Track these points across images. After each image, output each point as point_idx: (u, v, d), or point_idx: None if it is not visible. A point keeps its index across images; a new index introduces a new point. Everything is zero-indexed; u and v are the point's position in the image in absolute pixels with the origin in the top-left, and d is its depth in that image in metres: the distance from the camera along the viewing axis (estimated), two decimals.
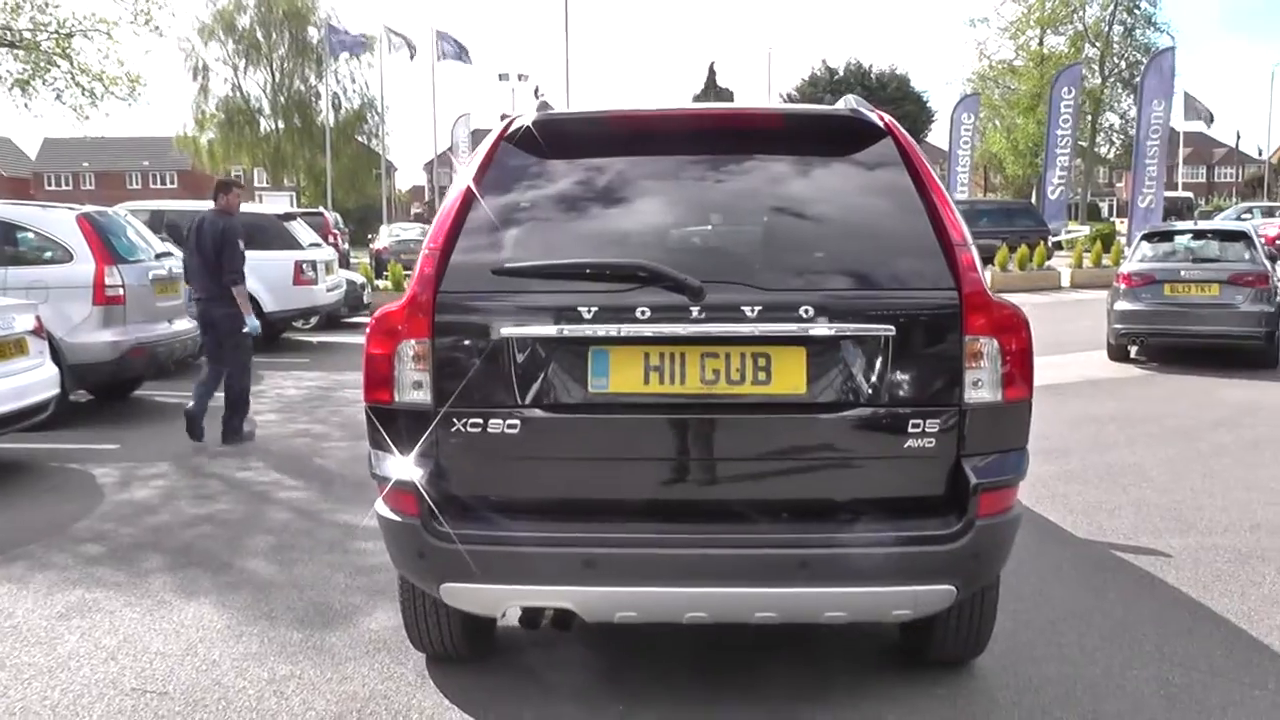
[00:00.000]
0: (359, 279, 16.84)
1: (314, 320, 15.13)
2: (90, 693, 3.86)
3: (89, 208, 9.68)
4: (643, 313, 3.23)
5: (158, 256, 9.75)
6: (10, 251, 9.01)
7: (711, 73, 61.98)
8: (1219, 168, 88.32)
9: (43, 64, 18.44)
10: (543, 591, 3.30)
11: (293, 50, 50.23)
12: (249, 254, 13.01)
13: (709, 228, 3.58)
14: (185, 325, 9.63)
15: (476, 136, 46.28)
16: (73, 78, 18.03)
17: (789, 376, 3.25)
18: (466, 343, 3.35)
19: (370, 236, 33.57)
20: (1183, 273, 11.86)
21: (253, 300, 13.01)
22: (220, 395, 8.18)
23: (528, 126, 3.56)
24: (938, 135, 54.67)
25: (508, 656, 4.15)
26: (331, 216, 24.98)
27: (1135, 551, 5.45)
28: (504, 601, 3.37)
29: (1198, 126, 48.21)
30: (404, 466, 3.35)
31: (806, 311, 3.21)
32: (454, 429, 3.32)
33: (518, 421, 3.30)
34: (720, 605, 3.30)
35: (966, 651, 3.94)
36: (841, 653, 4.20)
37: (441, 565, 3.29)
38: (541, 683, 3.96)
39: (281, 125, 50.31)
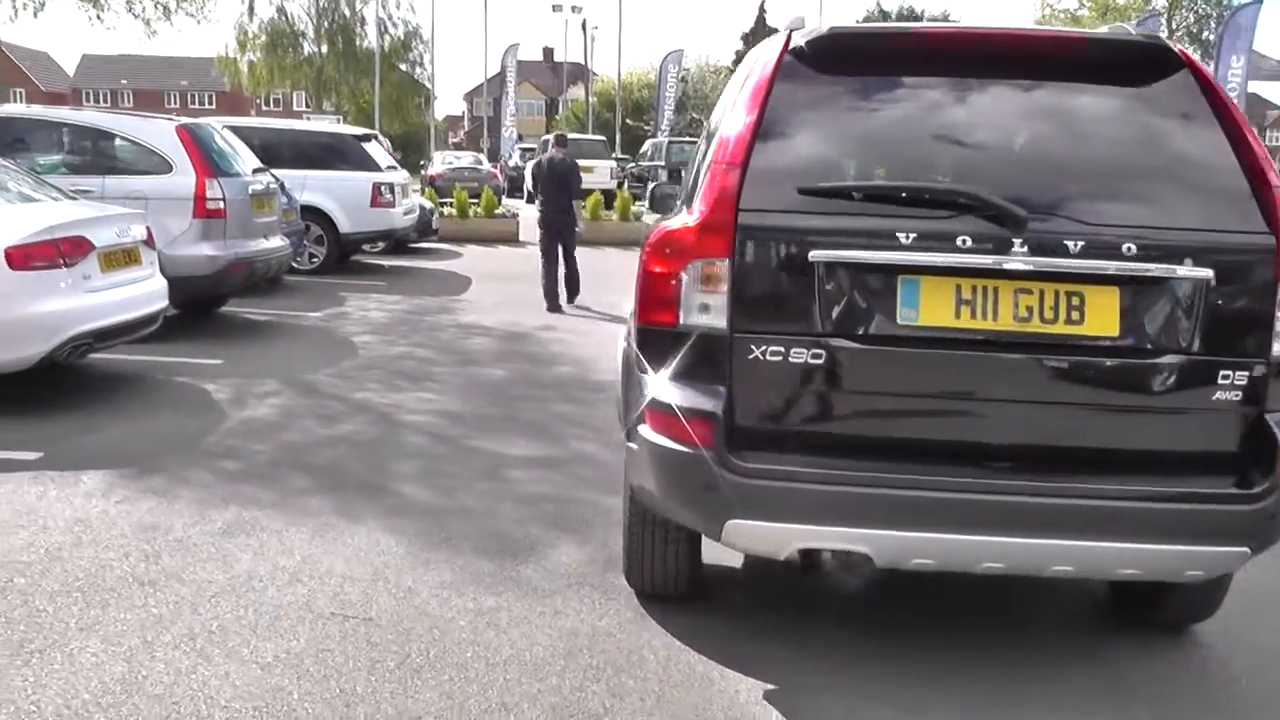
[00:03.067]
0: (428, 204, 16.51)
1: (381, 244, 14.83)
2: (288, 615, 3.65)
3: (187, 119, 9.37)
4: (963, 241, 2.99)
5: (255, 172, 9.45)
6: (108, 161, 8.72)
7: (762, 11, 60.66)
8: (1270, 131, 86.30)
9: None
10: (838, 533, 3.05)
11: None
12: (325, 174, 13.07)
13: (1015, 155, 3.26)
14: (279, 242, 9.37)
15: (523, 67, 45.70)
16: None
17: (1102, 317, 3.01)
18: (770, 264, 3.09)
19: (422, 163, 33.19)
20: None
21: (328, 220, 12.94)
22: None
23: (815, 41, 3.28)
24: None
25: (718, 597, 3.93)
26: (384, 143, 24.60)
27: None
28: (793, 541, 3.11)
29: (1255, 86, 46.99)
30: (691, 393, 3.09)
31: (1129, 249, 2.97)
32: (752, 356, 3.07)
33: (822, 351, 3.04)
34: (1020, 556, 3.06)
35: (1197, 615, 3.75)
36: (1052, 612, 3.99)
37: (730, 501, 3.04)
38: (757, 624, 3.74)
39: (325, 49, 49.65)
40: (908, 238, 2.99)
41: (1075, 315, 3.00)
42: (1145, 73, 3.25)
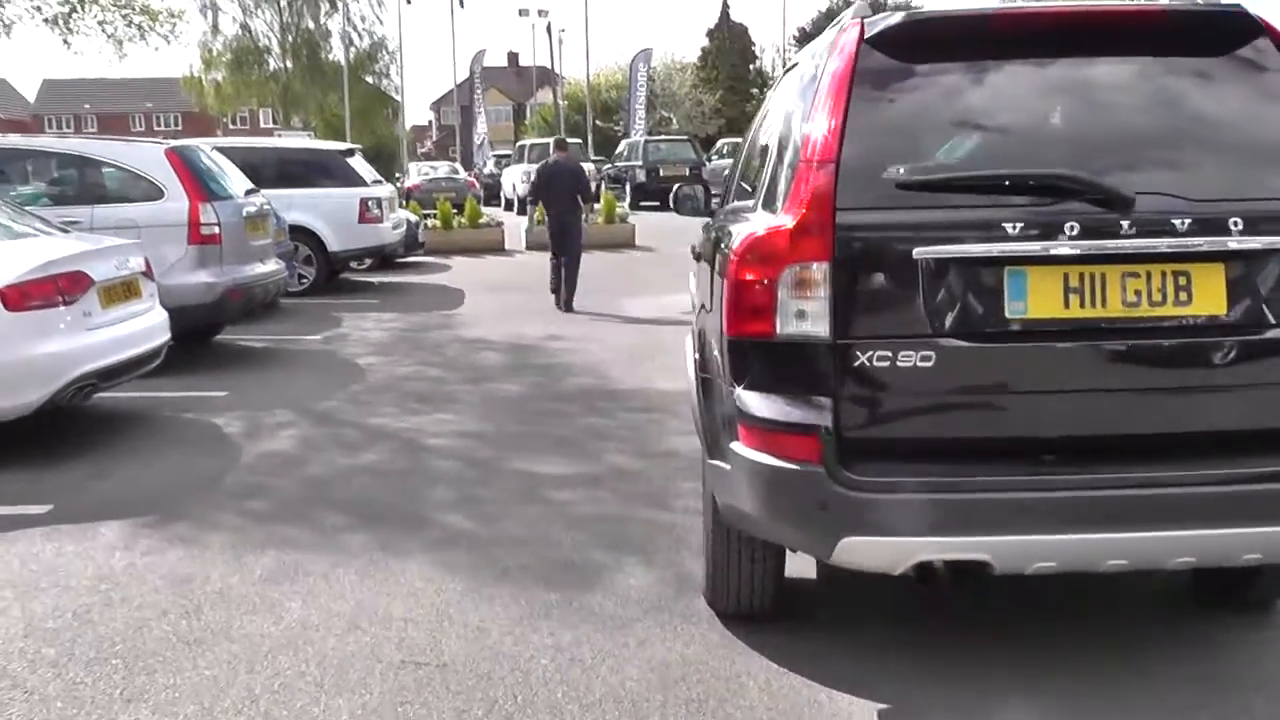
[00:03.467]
0: (413, 217, 16.21)
1: (369, 261, 14.53)
2: (354, 666, 3.39)
3: (175, 141, 9.07)
4: (1071, 228, 2.82)
5: (247, 193, 9.16)
6: (95, 190, 8.42)
7: (725, 6, 60.48)
8: None
9: None
10: (959, 543, 2.85)
11: None
12: (311, 191, 12.77)
13: (1108, 134, 3.07)
14: (275, 265, 9.09)
15: (488, 73, 45.36)
16: (119, 9, 17.20)
17: (1210, 296, 2.87)
18: (873, 265, 2.89)
19: (397, 175, 32.89)
20: None
21: (316, 239, 12.65)
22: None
23: (893, 29, 3.07)
24: None
25: (802, 614, 3.71)
26: None
27: None
28: (913, 555, 2.90)
29: None
30: (796, 407, 2.89)
31: (1236, 224, 2.82)
32: (858, 363, 2.86)
33: (931, 353, 2.84)
34: (1144, 551, 2.90)
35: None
36: (1130, 605, 3.85)
37: (845, 517, 2.83)
38: (850, 639, 3.53)
39: (290, 64, 49.18)
40: (1015, 228, 2.81)
41: (1183, 295, 2.86)
42: (1226, 41, 3.09)
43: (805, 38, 59.79)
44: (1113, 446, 2.92)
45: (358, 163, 13.77)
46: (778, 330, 2.91)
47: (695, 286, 5.76)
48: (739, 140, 31.56)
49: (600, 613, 3.75)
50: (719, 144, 36.21)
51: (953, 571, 2.96)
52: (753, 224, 3.18)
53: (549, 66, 57.57)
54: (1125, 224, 2.82)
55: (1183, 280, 2.85)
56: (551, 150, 12.88)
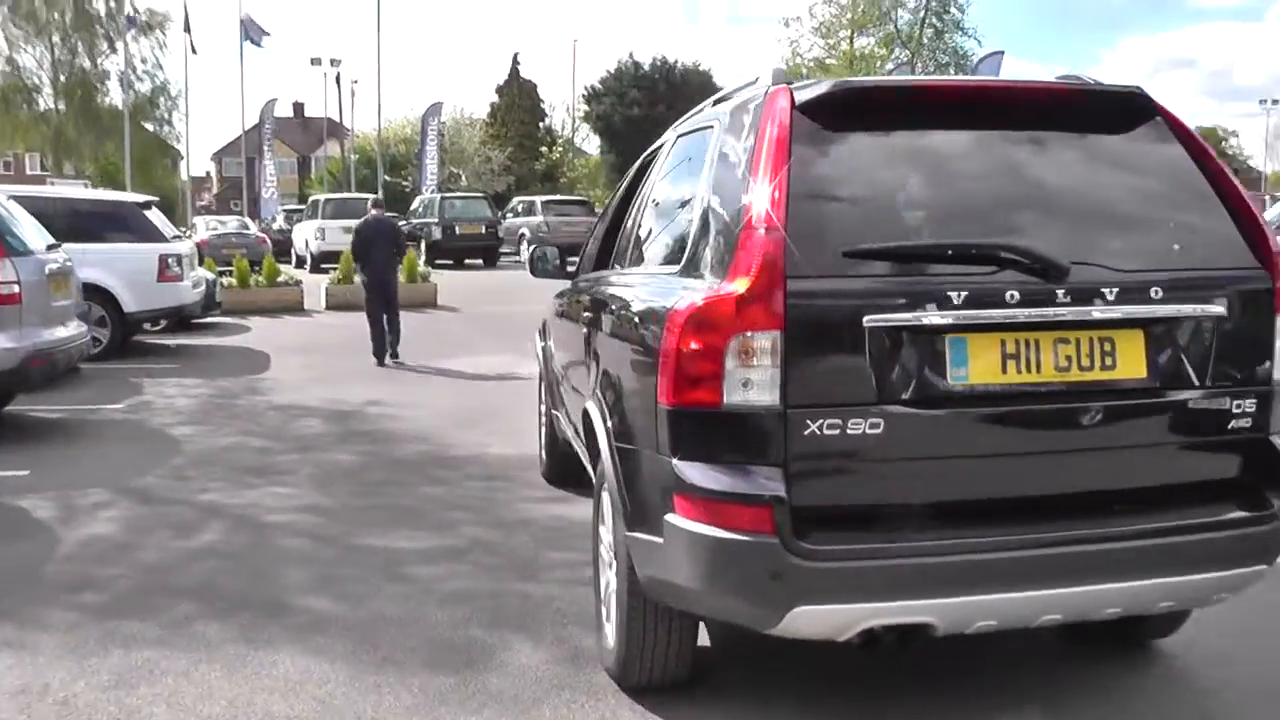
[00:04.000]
0: (210, 275, 15.42)
1: (164, 321, 13.73)
2: None
3: None
4: (1011, 296, 2.93)
5: (49, 248, 8.49)
6: None
7: (515, 63, 60.86)
8: None
9: None
10: (907, 606, 2.90)
11: (76, 24, 46.17)
12: (102, 247, 11.97)
13: (1035, 204, 3.23)
14: (78, 328, 8.45)
15: (279, 123, 43.98)
16: None
17: (1131, 360, 3.06)
18: (823, 333, 2.91)
19: (184, 229, 31.34)
20: None
21: (111, 299, 11.88)
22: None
23: (826, 96, 3.15)
24: None
25: (710, 680, 3.71)
26: None
27: None
28: (860, 622, 2.93)
29: None
30: (745, 477, 2.87)
31: (1156, 292, 3.02)
32: (808, 431, 2.86)
33: (880, 420, 2.88)
34: (1077, 604, 3.04)
35: (1173, 629, 3.92)
36: (1013, 648, 4.01)
37: (798, 587, 2.83)
38: (762, 701, 3.56)
39: (63, 106, 46.19)
40: (959, 296, 2.91)
41: (1108, 360, 3.03)
42: (1129, 120, 3.35)
43: (594, 96, 60.86)
44: (1049, 506, 3.04)
45: (155, 216, 12.98)
46: (724, 400, 2.88)
47: (560, 350, 5.71)
48: (533, 198, 31.84)
49: (501, 695, 3.62)
50: (513, 202, 36.30)
51: (896, 634, 3.01)
52: (683, 292, 3.12)
53: (336, 118, 56.47)
54: (1060, 292, 2.96)
55: (1108, 345, 3.02)
56: (369, 208, 12.93)
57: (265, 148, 38.64)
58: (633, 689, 3.58)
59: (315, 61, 50.11)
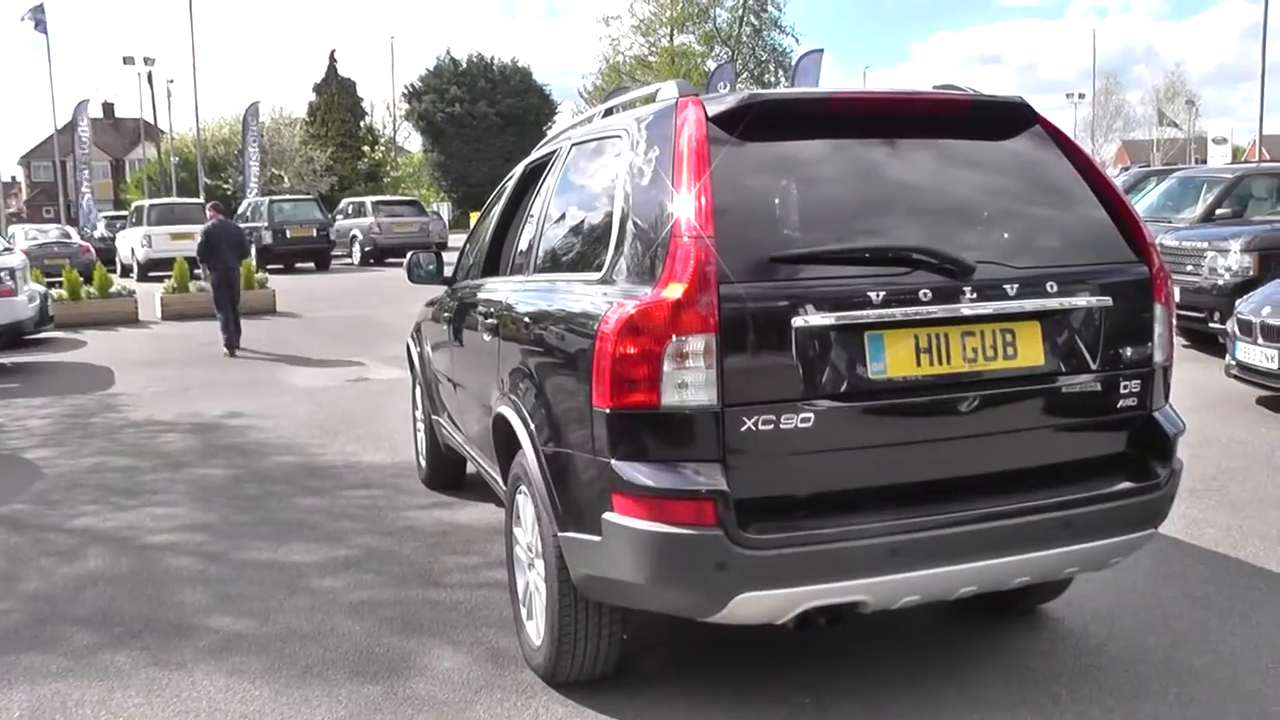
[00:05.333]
0: (41, 288, 14.68)
1: None
2: None
3: None
4: (925, 294, 3.22)
5: None
6: None
7: (333, 61, 59.32)
8: None
9: None
10: (842, 587, 3.16)
11: None
12: None
13: (938, 208, 3.54)
14: None
15: (90, 125, 41.82)
16: None
17: (1030, 350, 3.38)
18: (753, 335, 3.11)
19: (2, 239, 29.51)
20: None
21: None
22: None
23: (737, 107, 3.38)
24: (560, 128, 56.24)
25: (632, 669, 3.89)
26: None
27: None
28: (800, 603, 3.17)
29: None
30: (685, 474, 3.06)
31: (1051, 287, 3.36)
32: (744, 428, 3.07)
33: (811, 414, 3.12)
34: (991, 576, 3.36)
35: (1055, 595, 4.33)
36: (920, 621, 4.32)
37: (741, 575, 3.05)
38: (684, 688, 3.77)
39: None
40: (878, 296, 3.17)
41: (1010, 350, 3.35)
42: (1014, 127, 3.72)
43: (415, 94, 60.02)
44: (964, 487, 3.35)
45: None
46: (662, 401, 3.06)
47: (444, 356, 5.79)
48: (363, 199, 31.23)
49: (431, 699, 3.74)
50: (343, 203, 35.59)
51: (829, 615, 3.27)
52: (609, 299, 3.27)
53: (150, 120, 54.10)
54: (968, 290, 3.27)
55: (1009, 336, 3.35)
56: (209, 212, 13.94)
57: (81, 152, 36.75)
58: (562, 684, 3.75)
59: (128, 60, 47.86)
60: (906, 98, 3.79)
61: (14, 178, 71.36)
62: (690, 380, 3.06)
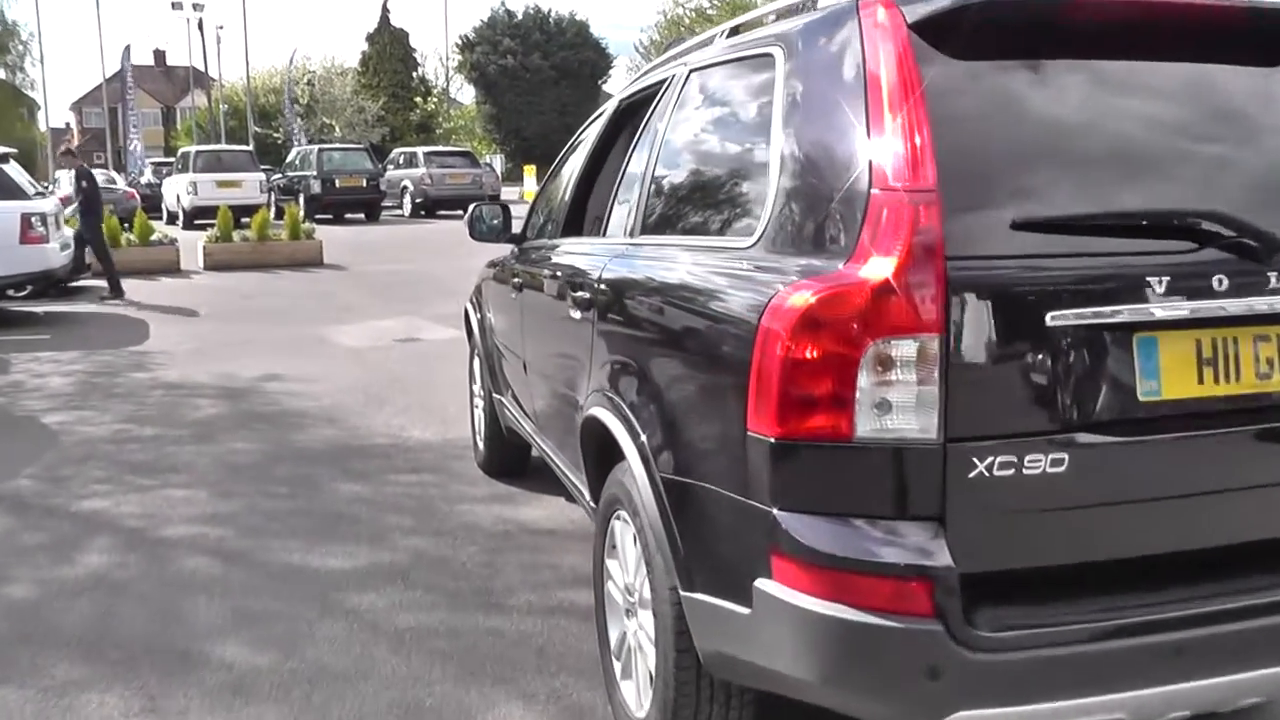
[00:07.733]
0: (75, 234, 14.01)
1: (29, 288, 12.38)
2: None
3: None
4: (1220, 282, 2.21)
5: None
6: None
7: (385, 10, 58.71)
8: None
9: None
10: (1099, 703, 2.14)
11: None
12: None
13: (1232, 159, 2.46)
14: None
15: (140, 72, 41.35)
16: None
17: None
18: (993, 337, 2.13)
19: (45, 185, 29.11)
20: None
21: None
22: None
23: (948, 10, 2.28)
24: (616, 83, 55.41)
25: None
26: None
27: None
28: None
29: None
30: (888, 538, 2.10)
31: None
32: (974, 473, 2.10)
33: (1064, 455, 2.14)
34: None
35: None
36: None
37: (964, 687, 2.07)
38: None
39: None
40: (1160, 283, 2.18)
41: None
42: None
43: (468, 45, 59.00)
44: (1253, 554, 2.34)
45: (15, 170, 11.59)
46: (856, 431, 2.09)
47: (512, 329, 4.89)
48: (414, 150, 30.63)
49: None
50: (394, 153, 34.90)
51: None
52: (776, 276, 2.30)
53: (200, 67, 53.64)
54: (1274, 276, 2.25)
55: None
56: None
57: (129, 98, 36.12)
58: None
59: (176, 5, 47.18)
60: (1202, 4, 2.68)
61: (67, 124, 71.37)
62: (898, 401, 2.08)
